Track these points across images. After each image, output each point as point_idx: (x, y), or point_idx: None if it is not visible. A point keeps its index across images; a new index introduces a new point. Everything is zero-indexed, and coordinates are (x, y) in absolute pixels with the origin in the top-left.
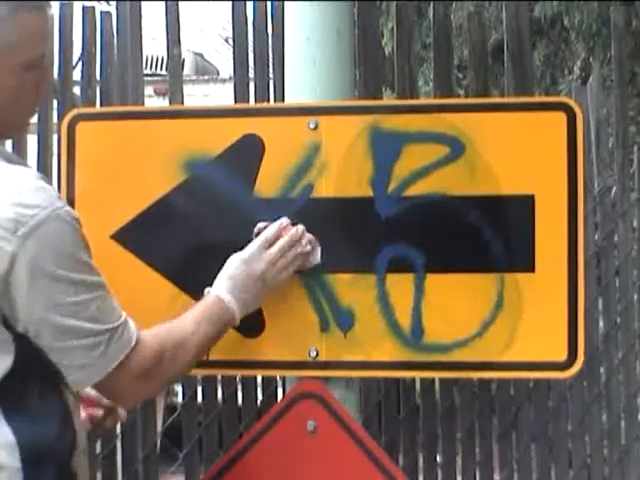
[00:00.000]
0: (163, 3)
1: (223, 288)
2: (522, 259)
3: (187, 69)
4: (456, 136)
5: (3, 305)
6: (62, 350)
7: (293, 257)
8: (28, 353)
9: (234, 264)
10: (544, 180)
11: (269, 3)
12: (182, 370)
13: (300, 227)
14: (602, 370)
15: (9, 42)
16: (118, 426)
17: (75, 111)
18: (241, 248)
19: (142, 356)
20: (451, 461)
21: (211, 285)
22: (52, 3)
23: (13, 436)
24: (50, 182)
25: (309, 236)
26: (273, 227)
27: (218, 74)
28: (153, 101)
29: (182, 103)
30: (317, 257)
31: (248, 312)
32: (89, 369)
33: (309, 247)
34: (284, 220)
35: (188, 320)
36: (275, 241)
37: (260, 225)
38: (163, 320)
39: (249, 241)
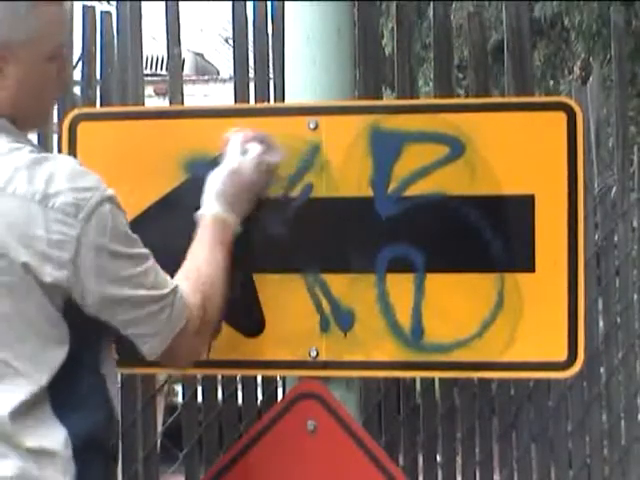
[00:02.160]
0: (163, 3)
1: (217, 206)
2: (522, 259)
3: (187, 69)
4: (456, 136)
5: (75, 290)
6: (137, 321)
7: (267, 157)
8: (80, 343)
9: (217, 181)
10: (544, 180)
11: (269, 3)
12: (221, 309)
13: (258, 134)
14: (602, 370)
15: (31, 36)
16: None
17: (76, 111)
18: (241, 248)
19: (194, 314)
20: (451, 461)
21: None
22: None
23: (64, 427)
24: None
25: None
26: (238, 136)
27: (218, 74)
28: (153, 101)
29: (182, 103)
30: (279, 153)
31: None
32: (161, 334)
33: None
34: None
35: (208, 257)
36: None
37: (227, 135)
38: None
39: (249, 241)
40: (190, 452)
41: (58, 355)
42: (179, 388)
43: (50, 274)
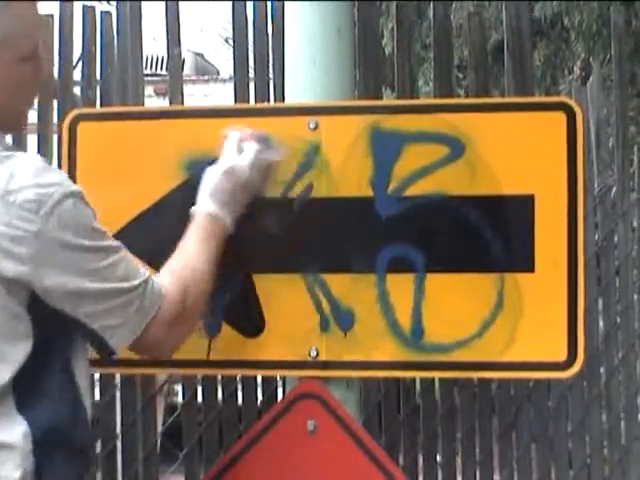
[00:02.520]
0: (163, 3)
1: (211, 204)
2: (522, 259)
3: (187, 69)
4: (456, 136)
5: (36, 285)
6: (102, 313)
7: (265, 156)
8: (46, 338)
9: (214, 178)
10: (544, 180)
11: (269, 3)
12: (204, 302)
13: (256, 132)
14: (602, 370)
15: (5, 35)
16: (118, 426)
17: (76, 111)
18: (241, 248)
19: (170, 302)
20: (451, 461)
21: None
22: (52, 3)
23: (25, 421)
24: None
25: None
26: (235, 134)
27: (218, 74)
28: (153, 101)
29: (182, 103)
30: (278, 152)
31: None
32: (129, 325)
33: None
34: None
35: (194, 249)
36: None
37: (224, 133)
38: None
39: (249, 241)
40: (190, 452)
41: (22, 350)
42: (179, 388)
43: (11, 269)
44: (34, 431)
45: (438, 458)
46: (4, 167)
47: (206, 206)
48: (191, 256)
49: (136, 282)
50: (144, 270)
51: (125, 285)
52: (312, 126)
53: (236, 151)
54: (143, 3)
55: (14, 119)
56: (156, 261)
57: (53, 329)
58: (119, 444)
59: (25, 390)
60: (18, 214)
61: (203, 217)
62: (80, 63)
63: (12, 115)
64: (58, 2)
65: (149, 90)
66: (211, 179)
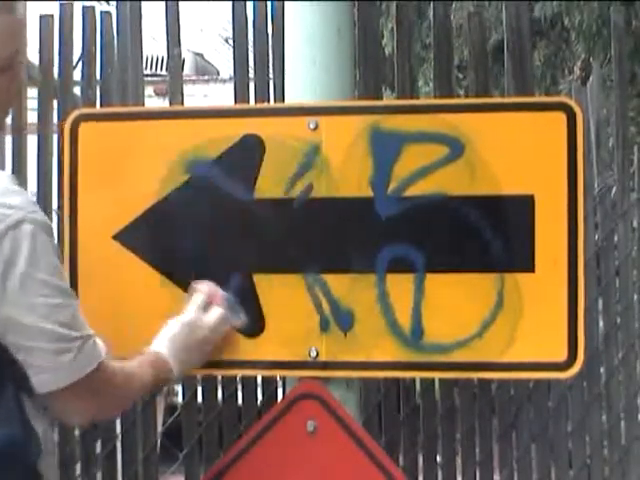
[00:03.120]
0: (163, 3)
1: (164, 347)
2: (522, 259)
3: (187, 69)
4: (456, 136)
5: None
6: (31, 350)
7: (228, 323)
8: None
9: (175, 327)
10: (544, 180)
11: (269, 3)
12: (124, 403)
13: (225, 295)
14: (602, 370)
15: None
16: (118, 426)
17: (77, 112)
18: (241, 248)
19: (104, 375)
20: (451, 461)
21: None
22: (52, 3)
23: None
24: (42, 184)
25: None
26: (204, 290)
27: (218, 74)
28: (153, 101)
29: (182, 103)
30: (243, 319)
31: (186, 371)
32: (57, 373)
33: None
34: (209, 286)
35: (136, 361)
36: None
37: (194, 285)
38: (165, 321)
39: (249, 241)
40: (190, 452)
41: None
42: (179, 388)
43: None
44: None
45: (438, 458)
46: None
47: (159, 347)
48: (132, 363)
49: (79, 334)
50: (88, 328)
51: (65, 332)
52: (312, 126)
53: (201, 308)
54: (143, 3)
55: None
56: (158, 262)
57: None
58: (119, 444)
59: None
60: None
61: (155, 356)
62: (80, 63)
63: None
64: (58, 2)
65: (149, 90)
66: (173, 326)
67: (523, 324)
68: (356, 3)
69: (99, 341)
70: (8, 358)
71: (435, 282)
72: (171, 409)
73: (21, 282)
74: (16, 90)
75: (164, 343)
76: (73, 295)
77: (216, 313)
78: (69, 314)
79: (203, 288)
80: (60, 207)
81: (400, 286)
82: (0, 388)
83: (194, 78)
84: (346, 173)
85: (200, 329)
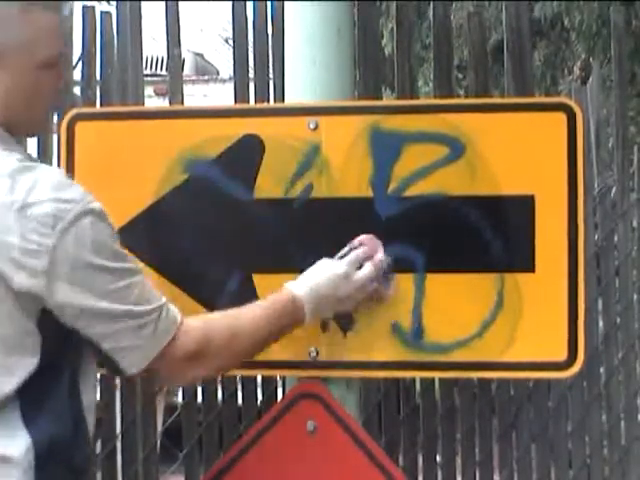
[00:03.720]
0: (163, 3)
1: (304, 292)
2: (522, 259)
3: (187, 69)
4: (456, 136)
5: (48, 299)
6: (114, 334)
7: (374, 288)
8: (54, 354)
9: (323, 275)
10: (544, 180)
11: (269, 3)
12: (234, 359)
13: (384, 258)
14: (602, 370)
15: (22, 41)
16: (118, 426)
17: (74, 111)
18: (241, 248)
19: (188, 337)
20: (451, 461)
21: (212, 286)
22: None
23: (29, 435)
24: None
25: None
26: (363, 249)
27: (218, 74)
28: (153, 101)
29: (182, 103)
30: (392, 289)
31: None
32: (142, 350)
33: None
34: (371, 242)
35: (252, 311)
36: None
37: (355, 242)
38: None
39: (249, 241)
40: (190, 452)
41: (29, 364)
42: (179, 388)
43: (22, 283)
44: (36, 446)
45: (438, 458)
46: (25, 178)
47: (298, 290)
48: (243, 315)
49: (150, 307)
50: (161, 296)
51: (140, 308)
52: (312, 126)
53: (354, 263)
54: (143, 3)
55: (29, 125)
56: (155, 261)
57: (62, 345)
58: (119, 444)
59: (31, 403)
60: (34, 227)
61: (287, 295)
62: (80, 63)
63: (30, 122)
64: (58, 2)
65: (149, 90)
66: (320, 272)
67: (523, 324)
68: (356, 3)
69: (172, 307)
70: (66, 347)
71: (435, 282)
72: (171, 409)
73: (90, 273)
74: (60, 89)
75: (305, 289)
76: (139, 270)
77: (366, 271)
78: (140, 291)
79: (365, 241)
80: None
81: (400, 286)
82: (58, 383)
83: (194, 78)
84: (346, 173)
85: (346, 285)
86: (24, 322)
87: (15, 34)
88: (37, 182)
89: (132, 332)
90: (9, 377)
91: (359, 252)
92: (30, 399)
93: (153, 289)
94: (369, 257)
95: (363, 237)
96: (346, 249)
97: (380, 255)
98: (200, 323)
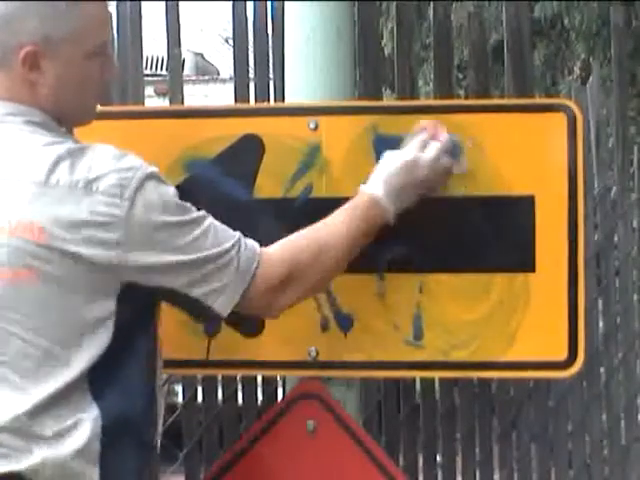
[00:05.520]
0: (163, 3)
1: (380, 189)
2: (522, 259)
3: (187, 69)
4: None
5: (127, 269)
6: (201, 280)
7: (447, 162)
8: (126, 333)
9: (393, 166)
10: (544, 180)
11: (269, 3)
12: (325, 274)
13: (450, 136)
14: (602, 370)
15: (70, 32)
16: None
17: None
18: None
19: (273, 263)
20: (451, 461)
21: None
22: None
23: (98, 408)
24: None
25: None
26: (426, 127)
27: (218, 74)
28: (153, 101)
29: (182, 103)
30: (464, 165)
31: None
32: (230, 287)
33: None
34: (432, 123)
35: (333, 222)
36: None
37: (416, 129)
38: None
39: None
40: (190, 452)
41: (103, 340)
42: (179, 388)
43: (100, 256)
44: (105, 419)
45: (438, 458)
46: (82, 158)
47: (374, 189)
48: (327, 228)
49: (228, 244)
50: (233, 232)
51: (218, 250)
52: (312, 126)
53: (419, 147)
54: (143, 3)
55: (79, 114)
56: None
57: (137, 322)
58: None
59: (102, 379)
60: (103, 201)
61: (366, 197)
62: None
63: (79, 111)
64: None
65: (149, 90)
66: (389, 165)
67: (523, 324)
68: (356, 3)
69: (249, 240)
70: (140, 324)
71: (435, 282)
72: (171, 409)
73: (165, 232)
74: (109, 77)
75: (379, 184)
76: (206, 215)
77: (433, 149)
78: (213, 234)
79: (426, 124)
80: None
81: (400, 286)
82: (133, 357)
83: (194, 78)
84: (346, 173)
85: (419, 168)
86: (100, 297)
87: (64, 25)
88: (94, 159)
89: (218, 273)
90: (83, 353)
91: (422, 136)
92: (100, 374)
93: (224, 227)
94: (434, 138)
95: (424, 122)
96: (409, 137)
97: (444, 134)
98: (280, 247)
